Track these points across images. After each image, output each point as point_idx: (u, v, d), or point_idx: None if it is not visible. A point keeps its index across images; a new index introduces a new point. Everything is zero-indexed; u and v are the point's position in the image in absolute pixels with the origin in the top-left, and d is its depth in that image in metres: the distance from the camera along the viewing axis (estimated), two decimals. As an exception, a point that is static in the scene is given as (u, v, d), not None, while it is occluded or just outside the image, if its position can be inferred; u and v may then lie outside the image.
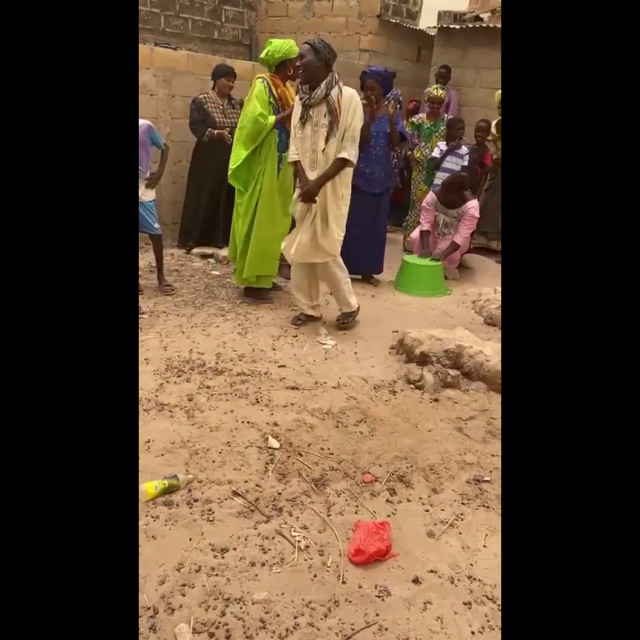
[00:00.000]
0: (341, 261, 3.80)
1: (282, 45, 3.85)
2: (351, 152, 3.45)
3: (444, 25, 7.02)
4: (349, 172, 3.59)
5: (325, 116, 3.38)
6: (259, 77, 3.91)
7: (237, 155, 3.95)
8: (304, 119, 3.45)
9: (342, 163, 3.46)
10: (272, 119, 3.85)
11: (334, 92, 3.36)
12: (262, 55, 3.91)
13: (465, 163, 5.34)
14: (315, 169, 3.50)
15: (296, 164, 3.61)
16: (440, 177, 5.40)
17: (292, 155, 3.60)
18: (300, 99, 3.43)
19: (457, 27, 6.88)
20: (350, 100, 3.40)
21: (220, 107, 5.04)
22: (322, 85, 3.34)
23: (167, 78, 5.37)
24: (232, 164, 3.98)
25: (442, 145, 5.43)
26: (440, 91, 5.65)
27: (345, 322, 3.95)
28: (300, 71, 3.39)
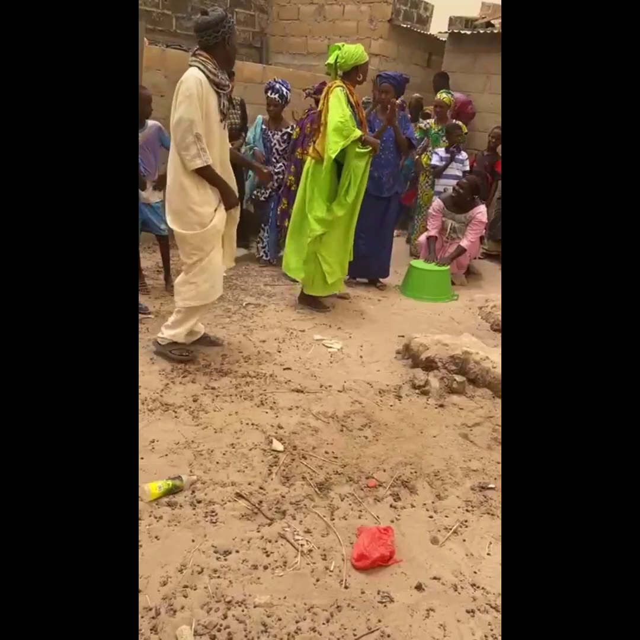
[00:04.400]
0: None
1: (355, 51, 3.75)
2: None
3: (455, 31, 7.02)
4: None
5: (233, 110, 2.98)
6: (337, 86, 3.77)
7: (336, 145, 3.71)
8: (223, 114, 2.83)
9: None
10: (358, 132, 3.76)
11: None
12: (330, 60, 3.79)
13: (466, 168, 5.33)
14: (224, 175, 2.96)
15: (208, 170, 2.83)
16: (441, 185, 5.39)
17: (206, 159, 2.78)
18: (220, 86, 2.79)
19: (468, 32, 6.87)
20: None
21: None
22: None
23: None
24: (332, 152, 3.74)
25: (441, 151, 5.42)
26: (445, 96, 5.64)
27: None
28: (233, 53, 2.84)
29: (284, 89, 4.72)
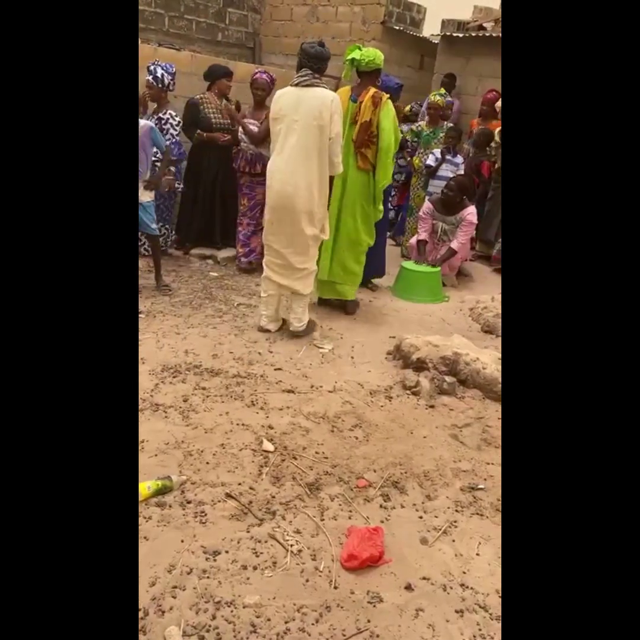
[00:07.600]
0: None
1: (380, 54, 3.81)
2: None
3: (447, 34, 7.05)
4: None
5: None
6: (388, 98, 3.80)
7: (388, 175, 3.95)
8: None
9: None
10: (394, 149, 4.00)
11: None
12: (354, 55, 3.75)
13: (460, 172, 5.35)
14: None
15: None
16: (434, 185, 5.41)
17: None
18: None
19: (461, 35, 6.90)
20: None
21: (218, 108, 5.04)
22: None
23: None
24: (386, 181, 3.96)
25: (437, 152, 5.45)
26: (439, 98, 5.66)
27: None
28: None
29: (159, 70, 4.43)
